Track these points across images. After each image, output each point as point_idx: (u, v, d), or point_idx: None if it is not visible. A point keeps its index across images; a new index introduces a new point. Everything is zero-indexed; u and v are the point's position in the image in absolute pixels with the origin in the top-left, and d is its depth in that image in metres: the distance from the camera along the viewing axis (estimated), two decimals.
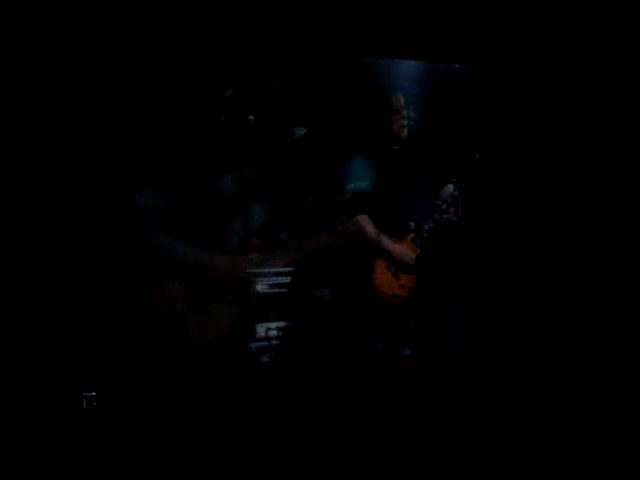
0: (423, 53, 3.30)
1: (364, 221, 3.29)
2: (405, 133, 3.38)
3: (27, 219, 2.67)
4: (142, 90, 2.86)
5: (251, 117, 3.06)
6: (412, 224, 3.36)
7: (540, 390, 3.28)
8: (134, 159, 2.84)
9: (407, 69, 3.35)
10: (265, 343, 3.07)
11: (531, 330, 3.38)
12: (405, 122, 3.37)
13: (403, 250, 3.34)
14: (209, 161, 3.00)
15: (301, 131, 3.15)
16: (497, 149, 3.43)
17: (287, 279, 3.13)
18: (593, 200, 3.38)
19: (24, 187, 2.67)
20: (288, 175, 3.16)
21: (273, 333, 3.09)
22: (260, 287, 3.08)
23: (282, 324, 3.10)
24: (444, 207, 3.37)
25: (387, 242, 3.32)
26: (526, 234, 3.41)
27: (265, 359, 3.07)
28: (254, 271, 3.07)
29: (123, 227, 2.81)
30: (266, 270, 3.09)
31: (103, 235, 2.74)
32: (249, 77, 3.08)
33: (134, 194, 2.84)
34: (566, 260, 3.39)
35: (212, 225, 3.00)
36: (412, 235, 3.36)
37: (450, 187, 3.39)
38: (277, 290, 3.11)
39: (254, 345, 3.06)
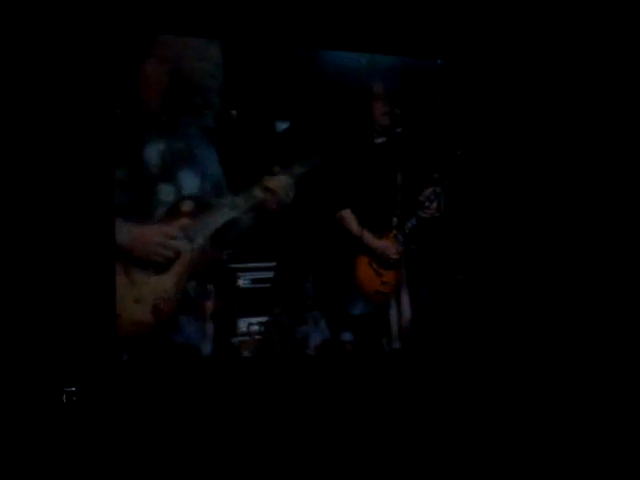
0: (407, 49, 3.34)
1: (347, 216, 3.30)
2: (388, 121, 3.38)
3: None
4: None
5: (234, 112, 3.07)
6: (395, 220, 3.37)
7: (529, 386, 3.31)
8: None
9: (388, 63, 3.38)
10: (247, 338, 3.07)
11: (517, 324, 3.40)
12: (387, 109, 3.37)
13: (385, 246, 3.34)
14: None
15: (284, 125, 3.16)
16: (479, 145, 3.45)
17: (269, 274, 3.13)
18: (576, 195, 3.41)
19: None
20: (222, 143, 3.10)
21: (255, 328, 3.08)
22: (241, 282, 3.08)
23: (264, 319, 3.10)
24: (427, 204, 3.38)
25: (369, 238, 3.32)
26: (509, 229, 3.44)
27: (247, 354, 3.06)
28: (235, 266, 3.06)
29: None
30: (248, 265, 3.09)
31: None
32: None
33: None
34: (550, 254, 3.41)
35: (142, 195, 2.95)
36: (395, 232, 3.37)
37: (430, 189, 3.40)
38: (259, 285, 3.10)
39: (236, 340, 3.06)
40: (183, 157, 3.02)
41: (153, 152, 2.97)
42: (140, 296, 2.91)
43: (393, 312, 3.33)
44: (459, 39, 3.39)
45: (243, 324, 3.07)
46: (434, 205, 3.37)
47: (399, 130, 3.39)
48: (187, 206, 3.01)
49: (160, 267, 2.96)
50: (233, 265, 3.07)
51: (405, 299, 3.35)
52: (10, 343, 2.67)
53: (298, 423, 2.98)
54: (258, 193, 3.12)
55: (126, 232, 2.91)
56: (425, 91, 3.44)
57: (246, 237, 3.10)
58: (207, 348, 3.00)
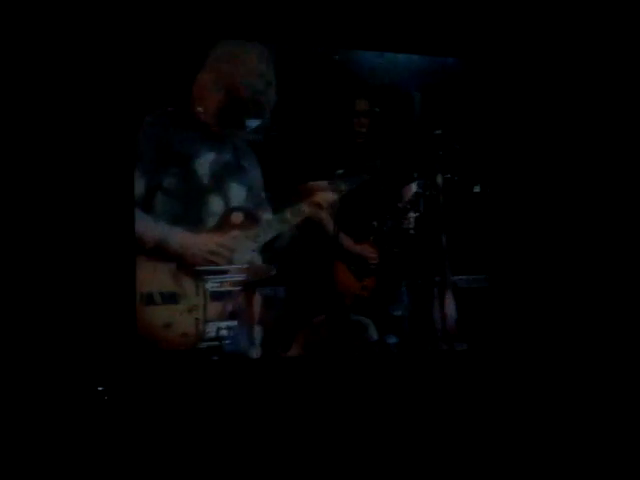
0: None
1: (325, 220, 3.21)
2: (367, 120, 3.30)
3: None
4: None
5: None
6: (375, 224, 3.26)
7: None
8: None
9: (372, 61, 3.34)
10: (216, 343, 2.97)
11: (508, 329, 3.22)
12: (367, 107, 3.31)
13: (364, 251, 3.23)
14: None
15: (254, 123, 3.14)
16: (461, 144, 3.35)
17: (240, 277, 3.05)
18: (561, 190, 3.27)
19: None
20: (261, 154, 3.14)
21: (224, 333, 2.99)
22: (210, 285, 3.01)
23: (233, 323, 3.00)
24: (408, 207, 3.27)
25: (348, 242, 3.22)
26: (492, 227, 3.30)
27: (215, 358, 2.95)
28: (203, 269, 3.00)
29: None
30: (217, 268, 3.02)
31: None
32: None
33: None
34: (534, 252, 3.26)
35: (191, 205, 3.00)
36: (374, 236, 3.25)
37: (413, 187, 3.29)
38: (228, 288, 3.02)
39: (204, 345, 2.97)
40: (231, 169, 3.08)
41: (203, 163, 3.04)
42: (190, 307, 2.95)
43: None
44: (441, 34, 3.32)
45: (212, 328, 2.98)
46: (412, 212, 3.24)
47: (379, 129, 3.32)
48: (237, 218, 3.06)
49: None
50: (200, 268, 3.00)
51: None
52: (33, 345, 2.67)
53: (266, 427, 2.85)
54: (305, 208, 3.14)
55: (178, 239, 2.95)
56: (406, 87, 3.36)
57: (291, 250, 3.12)
58: (255, 353, 3.03)
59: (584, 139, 3.35)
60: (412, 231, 3.26)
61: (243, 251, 3.06)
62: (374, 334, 3.18)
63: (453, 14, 3.30)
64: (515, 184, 3.36)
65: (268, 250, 3.09)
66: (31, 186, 2.72)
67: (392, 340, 3.20)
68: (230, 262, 3.03)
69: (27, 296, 2.67)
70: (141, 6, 2.90)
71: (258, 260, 3.08)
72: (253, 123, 3.13)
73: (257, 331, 3.03)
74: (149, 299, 2.91)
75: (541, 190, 3.36)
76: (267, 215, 3.11)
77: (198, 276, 2.98)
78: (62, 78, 2.78)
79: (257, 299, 3.05)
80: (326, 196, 3.17)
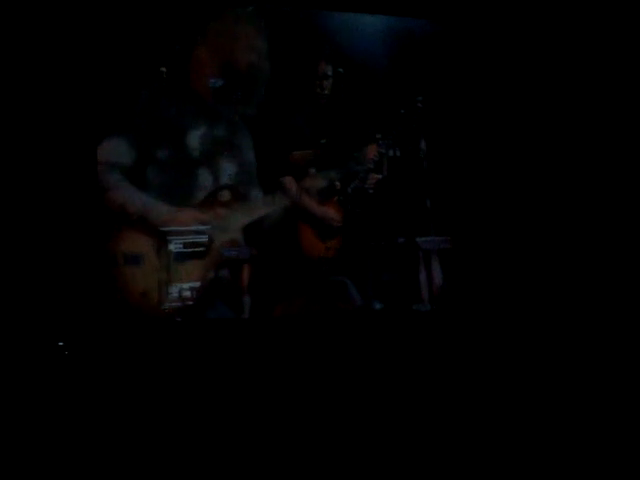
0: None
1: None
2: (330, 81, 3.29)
3: None
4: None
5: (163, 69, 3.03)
6: (337, 184, 3.26)
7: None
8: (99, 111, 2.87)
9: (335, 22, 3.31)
10: (179, 304, 2.97)
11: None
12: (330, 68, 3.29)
13: (327, 212, 3.23)
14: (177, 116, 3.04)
15: (218, 83, 3.11)
16: (425, 104, 3.34)
17: (203, 238, 3.04)
18: (518, 156, 3.29)
19: None
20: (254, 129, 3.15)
21: (187, 294, 2.98)
22: (173, 246, 2.99)
23: (196, 284, 3.00)
24: (371, 167, 3.27)
25: (310, 203, 3.22)
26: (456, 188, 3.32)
27: (178, 319, 2.95)
28: (167, 229, 2.98)
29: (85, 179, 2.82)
30: (180, 228, 3.01)
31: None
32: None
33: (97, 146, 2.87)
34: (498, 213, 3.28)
35: (179, 179, 3.01)
36: (337, 197, 3.26)
37: (372, 148, 3.29)
38: (191, 249, 3.01)
39: (167, 305, 2.96)
40: (223, 144, 3.09)
41: (195, 136, 3.04)
42: (169, 280, 2.95)
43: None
44: None
45: (174, 289, 2.97)
46: (372, 174, 3.25)
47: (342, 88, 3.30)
48: (224, 196, 3.06)
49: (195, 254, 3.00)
50: (164, 228, 2.98)
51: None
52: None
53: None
54: (292, 194, 3.15)
55: (163, 213, 2.96)
56: (369, 48, 3.35)
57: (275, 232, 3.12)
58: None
59: (550, 100, 3.35)
60: (373, 191, 3.26)
61: (226, 229, 3.06)
62: (356, 295, 3.20)
63: None
64: (474, 144, 3.38)
65: (252, 230, 3.09)
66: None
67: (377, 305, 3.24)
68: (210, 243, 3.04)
69: None
70: None
71: (240, 239, 3.08)
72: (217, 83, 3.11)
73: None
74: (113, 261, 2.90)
75: (505, 149, 3.37)
76: (257, 194, 3.12)
77: (162, 237, 2.97)
78: (57, 50, 2.77)
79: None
80: (314, 183, 3.19)
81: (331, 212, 3.24)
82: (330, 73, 3.27)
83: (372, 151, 3.28)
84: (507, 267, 3.35)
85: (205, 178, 3.06)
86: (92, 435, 2.61)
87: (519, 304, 3.28)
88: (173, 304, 2.96)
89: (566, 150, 3.27)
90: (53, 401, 2.63)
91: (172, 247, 2.99)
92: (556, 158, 3.30)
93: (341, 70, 3.28)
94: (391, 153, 3.29)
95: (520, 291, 3.30)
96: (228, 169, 3.09)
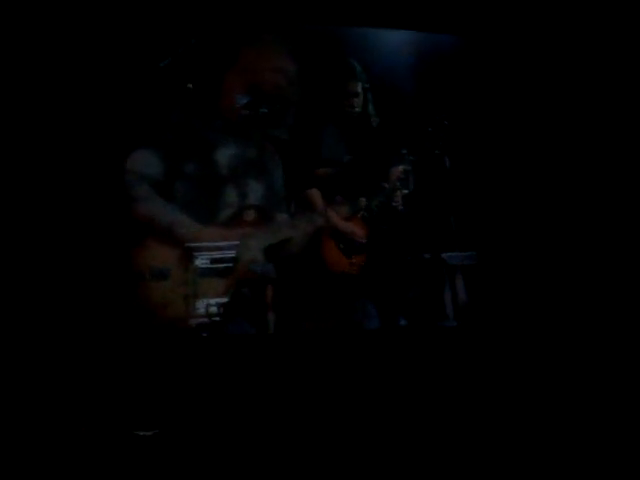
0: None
1: (314, 195, 3.21)
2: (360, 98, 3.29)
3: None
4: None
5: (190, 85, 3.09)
6: (363, 201, 3.26)
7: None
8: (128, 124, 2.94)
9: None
10: (205, 319, 3.00)
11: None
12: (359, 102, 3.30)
13: (352, 227, 3.24)
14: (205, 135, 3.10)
15: (244, 99, 3.15)
16: (451, 121, 3.33)
17: (230, 253, 3.07)
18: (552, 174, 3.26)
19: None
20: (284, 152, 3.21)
21: (213, 309, 3.01)
22: (199, 262, 3.03)
23: (222, 300, 3.03)
24: (397, 185, 3.27)
25: (336, 219, 3.22)
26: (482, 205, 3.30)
27: (204, 334, 2.99)
28: (193, 245, 3.02)
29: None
30: (207, 244, 3.04)
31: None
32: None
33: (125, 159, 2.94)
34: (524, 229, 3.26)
35: (206, 196, 3.08)
36: (362, 213, 3.26)
37: (399, 167, 3.28)
38: (218, 265, 3.05)
39: (194, 321, 3.00)
40: (252, 165, 3.15)
41: (224, 154, 3.11)
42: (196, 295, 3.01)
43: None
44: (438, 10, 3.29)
45: (201, 305, 3.01)
46: (399, 192, 3.25)
47: (370, 107, 3.31)
48: (249, 215, 3.11)
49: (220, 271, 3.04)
50: (190, 244, 3.02)
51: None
52: None
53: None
54: (318, 219, 3.17)
55: (190, 228, 3.02)
56: (396, 64, 3.35)
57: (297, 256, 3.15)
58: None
59: (577, 119, 3.32)
60: (401, 207, 3.26)
61: (250, 248, 3.10)
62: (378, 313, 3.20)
63: None
64: (498, 162, 3.36)
65: (273, 251, 3.12)
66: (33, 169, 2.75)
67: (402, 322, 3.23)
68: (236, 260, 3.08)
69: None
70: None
71: (261, 259, 3.11)
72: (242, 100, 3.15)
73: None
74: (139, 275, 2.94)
75: (530, 167, 3.35)
76: (283, 216, 3.17)
77: (188, 252, 3.01)
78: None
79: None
80: (340, 211, 3.21)
81: (356, 228, 3.24)
82: (360, 90, 3.27)
83: (398, 170, 3.27)
84: (532, 283, 3.32)
85: (231, 196, 3.11)
86: (112, 450, 2.65)
87: (545, 320, 3.25)
88: (199, 319, 2.99)
89: (593, 168, 3.24)
90: (77, 413, 2.67)
91: (198, 262, 3.03)
92: (582, 176, 3.26)
93: (367, 85, 3.29)
94: (417, 169, 3.28)
95: (546, 307, 3.27)
96: (255, 189, 3.12)
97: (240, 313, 3.04)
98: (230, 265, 3.06)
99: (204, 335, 2.99)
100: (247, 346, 3.03)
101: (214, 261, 3.04)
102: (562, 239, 3.31)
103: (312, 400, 2.91)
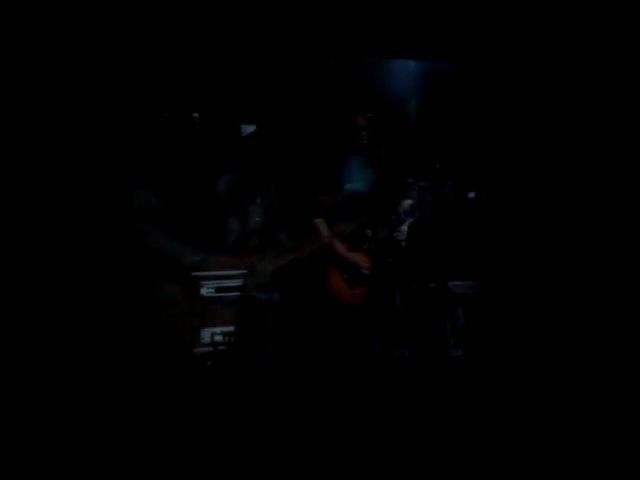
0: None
1: (320, 225, 3.23)
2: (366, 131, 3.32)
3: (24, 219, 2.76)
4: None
5: (195, 114, 3.13)
6: (369, 233, 3.29)
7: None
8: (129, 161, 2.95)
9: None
10: (210, 348, 3.02)
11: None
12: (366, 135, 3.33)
13: (357, 258, 3.25)
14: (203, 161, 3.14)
15: (249, 129, 3.19)
16: (456, 151, 3.36)
17: (235, 282, 3.09)
18: (558, 202, 3.26)
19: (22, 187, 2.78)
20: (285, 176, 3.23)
21: (219, 338, 3.03)
22: (205, 291, 3.05)
23: (228, 329, 3.05)
24: (403, 218, 3.30)
25: (341, 249, 3.24)
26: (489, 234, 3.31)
27: (209, 363, 3.00)
28: (199, 274, 3.05)
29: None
30: (212, 273, 3.07)
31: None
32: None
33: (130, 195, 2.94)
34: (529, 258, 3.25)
35: (208, 225, 3.10)
36: (368, 244, 3.28)
37: (407, 202, 3.31)
38: (223, 294, 3.07)
39: (199, 350, 3.01)
40: (252, 190, 3.19)
41: (224, 181, 3.16)
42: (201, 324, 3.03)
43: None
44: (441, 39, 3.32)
45: (206, 334, 3.03)
46: (404, 226, 3.27)
47: (377, 141, 3.35)
48: (252, 241, 3.15)
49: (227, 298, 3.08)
50: (196, 273, 3.05)
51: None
52: None
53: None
54: (324, 238, 3.18)
55: (194, 258, 3.04)
56: (402, 93, 3.39)
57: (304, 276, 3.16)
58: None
59: (582, 143, 3.33)
60: (404, 244, 3.28)
61: (255, 274, 3.11)
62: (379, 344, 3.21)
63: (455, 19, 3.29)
64: (510, 191, 3.37)
65: (281, 275, 3.13)
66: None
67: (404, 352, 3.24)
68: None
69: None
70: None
71: (269, 284, 3.13)
72: (249, 129, 3.19)
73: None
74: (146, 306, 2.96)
75: (538, 196, 3.35)
76: (284, 239, 3.20)
77: (194, 282, 3.04)
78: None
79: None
80: (345, 227, 3.22)
81: (361, 259, 3.26)
82: (366, 123, 3.30)
83: (406, 204, 3.30)
84: (537, 312, 3.31)
85: (233, 223, 3.14)
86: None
87: (551, 349, 3.24)
88: (204, 348, 3.01)
89: (597, 200, 3.25)
90: (82, 442, 2.69)
91: (204, 291, 3.05)
92: (586, 207, 3.27)
93: (372, 115, 3.32)
94: (423, 200, 3.31)
95: (553, 336, 3.26)
96: (256, 214, 3.14)
97: (249, 341, 3.05)
98: (235, 294, 3.08)
99: (209, 364, 3.00)
100: (250, 374, 3.04)
101: (220, 289, 3.06)
102: (565, 268, 3.31)
103: (312, 429, 2.91)
